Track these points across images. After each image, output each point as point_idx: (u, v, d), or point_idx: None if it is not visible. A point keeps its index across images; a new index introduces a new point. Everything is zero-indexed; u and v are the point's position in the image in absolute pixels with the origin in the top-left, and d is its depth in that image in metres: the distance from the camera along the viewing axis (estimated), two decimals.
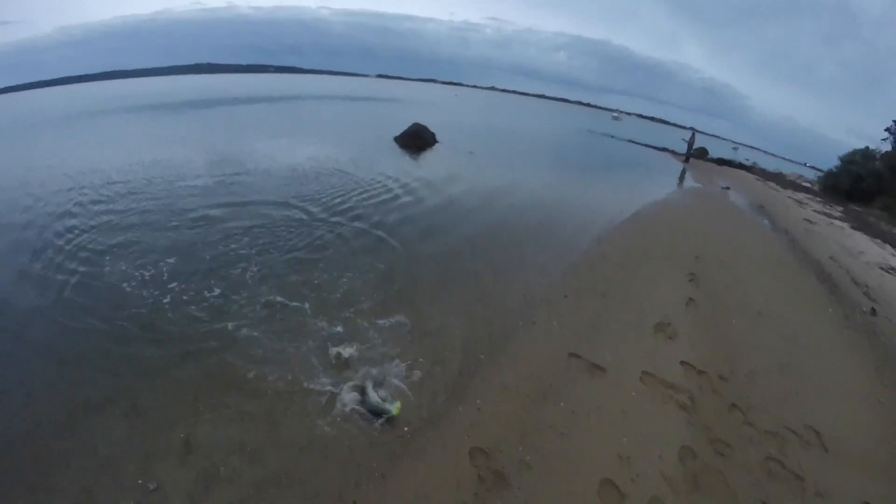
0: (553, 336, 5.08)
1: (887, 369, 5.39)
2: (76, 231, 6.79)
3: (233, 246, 6.44)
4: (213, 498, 2.88)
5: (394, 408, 3.29)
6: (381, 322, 4.92)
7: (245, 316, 4.78)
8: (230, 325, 4.59)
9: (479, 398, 3.97)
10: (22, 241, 6.54)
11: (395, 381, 3.85)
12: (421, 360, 4.36)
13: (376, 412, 3.36)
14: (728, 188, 17.08)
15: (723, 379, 4.69)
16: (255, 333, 4.48)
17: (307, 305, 5.04)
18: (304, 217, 7.92)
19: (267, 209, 8.16)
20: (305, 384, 3.89)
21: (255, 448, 3.25)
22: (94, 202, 8.12)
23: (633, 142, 32.44)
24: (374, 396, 3.31)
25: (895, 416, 4.57)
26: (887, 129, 23.84)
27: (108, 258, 5.92)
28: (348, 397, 3.62)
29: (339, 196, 9.29)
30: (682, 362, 4.85)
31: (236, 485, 2.98)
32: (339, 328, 4.69)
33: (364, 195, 9.57)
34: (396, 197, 9.78)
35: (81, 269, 5.68)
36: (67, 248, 6.24)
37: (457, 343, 4.73)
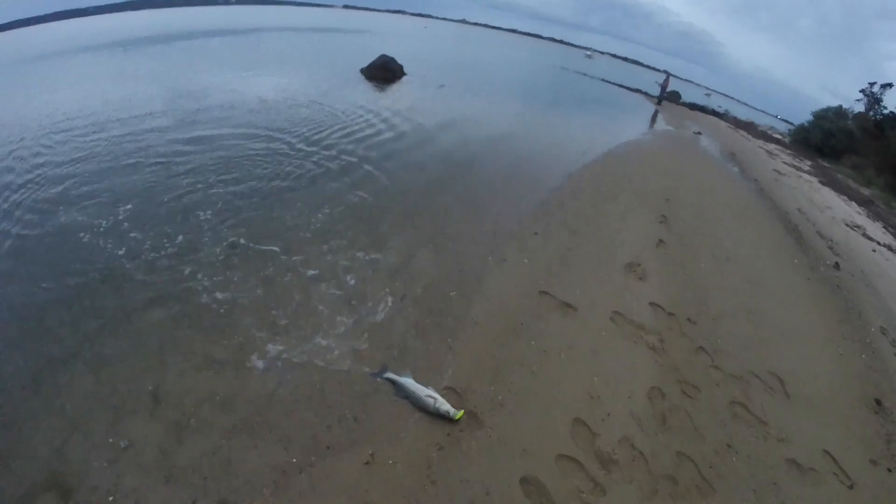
0: (524, 273, 5.07)
1: (847, 322, 5.62)
2: (27, 182, 6.20)
3: (199, 186, 6.08)
4: (185, 449, 2.83)
5: (456, 413, 3.24)
6: (360, 255, 4.85)
7: (210, 260, 4.58)
8: (190, 270, 4.41)
9: (450, 336, 3.98)
10: None
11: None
12: (392, 297, 4.33)
13: (438, 414, 3.27)
14: (700, 133, 16.98)
15: (691, 322, 4.81)
16: (221, 279, 4.32)
17: (277, 248, 4.87)
18: (269, 152, 7.51)
19: (230, 145, 7.68)
20: (273, 326, 3.81)
21: (225, 395, 3.19)
22: (47, 148, 7.43)
23: (606, 81, 31.74)
24: (443, 404, 3.24)
25: (854, 368, 4.79)
26: (862, 91, 24.26)
27: (62, 208, 5.47)
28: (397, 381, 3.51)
29: (296, 127, 8.85)
30: (651, 303, 4.94)
31: (208, 434, 2.93)
32: (313, 270, 4.58)
33: (333, 127, 9.15)
34: (364, 129, 9.38)
35: (35, 221, 5.24)
36: (18, 199, 5.73)
37: (428, 280, 4.69)
